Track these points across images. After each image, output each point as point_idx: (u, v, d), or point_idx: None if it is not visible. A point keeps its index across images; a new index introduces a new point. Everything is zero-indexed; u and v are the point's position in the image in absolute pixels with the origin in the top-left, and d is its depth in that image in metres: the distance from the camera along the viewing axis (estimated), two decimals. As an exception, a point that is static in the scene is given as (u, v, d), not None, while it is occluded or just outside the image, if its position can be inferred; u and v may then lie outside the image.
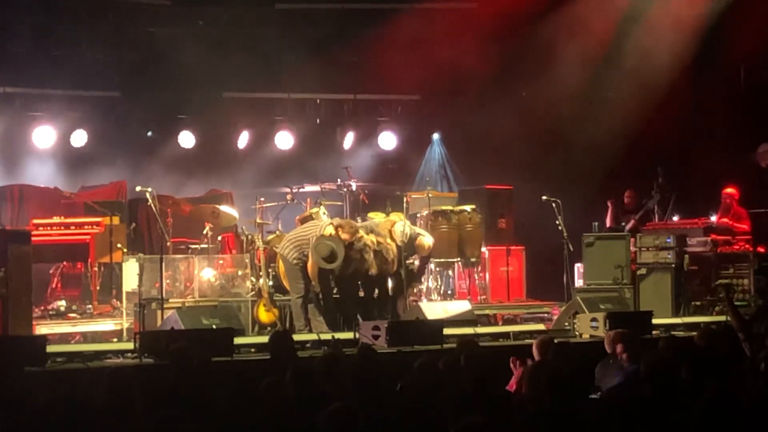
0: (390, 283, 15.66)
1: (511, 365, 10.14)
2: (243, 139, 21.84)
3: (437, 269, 17.86)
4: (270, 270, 16.15)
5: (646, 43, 20.29)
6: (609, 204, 19.43)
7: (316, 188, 18.18)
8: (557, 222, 17.03)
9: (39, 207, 18.98)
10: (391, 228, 15.45)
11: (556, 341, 10.78)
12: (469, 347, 10.00)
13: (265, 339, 12.52)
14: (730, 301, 11.94)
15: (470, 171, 21.95)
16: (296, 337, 13.13)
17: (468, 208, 18.42)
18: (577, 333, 14.35)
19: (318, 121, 22.65)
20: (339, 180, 18.13)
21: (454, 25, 21.01)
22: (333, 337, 12.96)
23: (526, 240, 19.39)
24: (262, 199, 17.21)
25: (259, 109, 22.24)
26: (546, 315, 17.50)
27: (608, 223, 19.25)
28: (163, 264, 14.57)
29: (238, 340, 12.62)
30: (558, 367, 8.25)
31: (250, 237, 16.79)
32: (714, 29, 20.00)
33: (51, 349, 11.70)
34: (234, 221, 17.51)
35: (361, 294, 15.65)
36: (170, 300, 15.09)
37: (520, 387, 9.27)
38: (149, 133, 21.48)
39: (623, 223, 19.12)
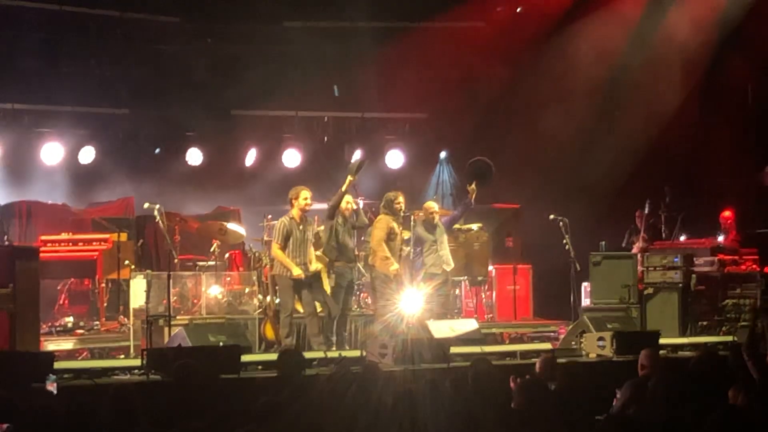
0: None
1: (512, 384, 10.12)
2: (250, 157, 21.91)
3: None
4: (277, 287, 16.13)
5: (653, 63, 20.32)
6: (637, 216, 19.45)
7: (323, 206, 18.15)
8: (564, 241, 17.01)
9: (47, 223, 18.97)
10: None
11: (564, 360, 10.76)
12: (481, 366, 9.98)
13: (272, 357, 12.53)
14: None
15: (477, 189, 21.90)
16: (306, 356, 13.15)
17: (475, 226, 18.47)
18: (584, 352, 14.32)
19: (325, 139, 22.67)
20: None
21: (461, 44, 21.06)
22: (340, 354, 12.97)
23: (533, 259, 19.39)
24: (270, 216, 17.20)
25: (267, 126, 22.30)
26: (553, 334, 17.47)
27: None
28: (171, 281, 14.52)
29: (245, 358, 12.61)
30: (546, 384, 8.25)
31: (257, 254, 16.80)
32: (721, 49, 20.02)
33: (58, 365, 11.70)
34: (241, 238, 17.53)
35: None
36: (177, 317, 15.06)
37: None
38: (157, 150, 21.54)
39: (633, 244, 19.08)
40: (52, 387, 10.68)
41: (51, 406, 7.96)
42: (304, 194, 14.88)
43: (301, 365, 10.64)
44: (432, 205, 16.42)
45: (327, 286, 15.68)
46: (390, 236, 15.44)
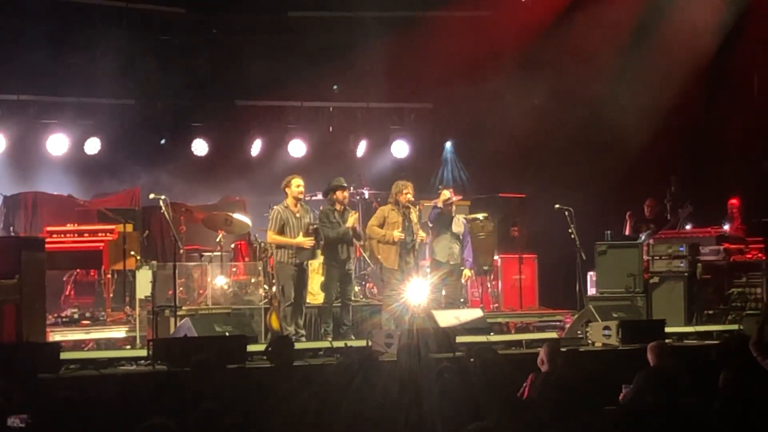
0: None
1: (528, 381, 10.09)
2: (256, 147, 21.90)
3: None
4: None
5: (659, 52, 20.27)
6: (627, 217, 19.47)
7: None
8: (570, 230, 16.96)
9: (53, 214, 18.98)
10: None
11: (565, 349, 10.76)
12: (488, 355, 9.98)
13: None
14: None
15: (483, 179, 21.93)
16: (311, 345, 13.21)
17: (481, 216, 18.47)
18: (589, 341, 14.33)
19: (331, 129, 22.65)
20: (352, 188, 18.07)
21: (467, 34, 21.01)
22: (346, 344, 12.98)
23: (538, 248, 19.39)
24: (275, 206, 17.20)
25: (272, 116, 22.27)
26: (558, 323, 17.48)
27: (627, 233, 19.27)
28: (176, 271, 14.54)
29: (250, 348, 12.63)
30: (565, 376, 8.23)
31: (262, 245, 16.80)
32: (727, 39, 19.99)
33: (64, 356, 11.72)
34: (247, 229, 17.51)
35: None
36: (183, 307, 15.10)
37: (530, 393, 9.28)
38: (162, 141, 21.52)
39: (641, 234, 19.06)
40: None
41: (62, 397, 7.98)
42: (296, 182, 14.97)
43: (292, 354, 10.69)
44: (445, 194, 16.43)
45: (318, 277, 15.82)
46: (384, 223, 15.46)
